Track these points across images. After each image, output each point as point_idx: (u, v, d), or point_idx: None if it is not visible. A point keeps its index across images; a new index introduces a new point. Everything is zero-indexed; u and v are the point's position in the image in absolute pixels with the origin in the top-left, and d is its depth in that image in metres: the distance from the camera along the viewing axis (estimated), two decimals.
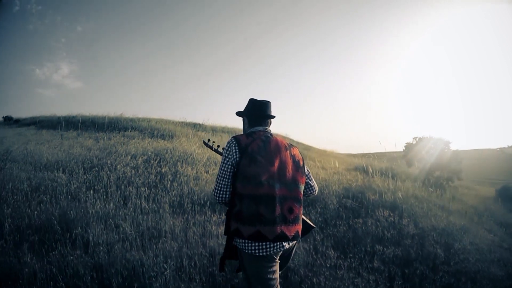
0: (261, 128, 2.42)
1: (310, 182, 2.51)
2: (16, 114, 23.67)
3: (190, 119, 20.52)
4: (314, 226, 2.60)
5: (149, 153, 8.27)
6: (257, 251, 2.09)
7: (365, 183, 8.54)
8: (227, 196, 2.21)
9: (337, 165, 12.02)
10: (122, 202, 5.36)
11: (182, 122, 19.57)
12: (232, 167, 2.19)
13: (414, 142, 15.47)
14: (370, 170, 9.62)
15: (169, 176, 6.63)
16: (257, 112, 2.46)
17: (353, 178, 9.46)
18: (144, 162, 7.52)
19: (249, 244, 2.10)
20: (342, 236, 5.37)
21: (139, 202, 5.27)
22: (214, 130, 19.03)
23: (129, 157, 7.87)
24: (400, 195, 7.34)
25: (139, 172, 6.77)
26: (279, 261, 2.25)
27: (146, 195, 5.65)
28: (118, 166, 6.94)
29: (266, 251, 2.10)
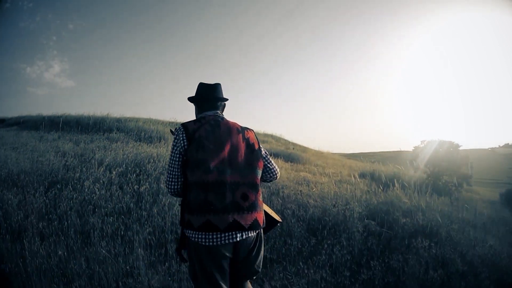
0: (210, 112, 2.22)
1: (269, 165, 2.27)
2: (7, 113, 22.15)
3: (180, 118, 19.10)
4: (279, 220, 2.36)
5: (128, 162, 6.64)
6: (205, 240, 1.90)
7: (387, 198, 7.01)
8: (178, 187, 2.08)
9: (349, 175, 10.37)
10: (79, 243, 3.74)
11: (172, 123, 18.13)
12: (181, 156, 2.04)
13: (422, 145, 14.04)
14: (396, 184, 7.93)
15: (148, 197, 5.01)
16: (204, 96, 2.28)
17: (369, 189, 7.90)
18: (119, 175, 5.90)
19: (198, 235, 1.90)
20: (381, 282, 3.93)
21: (102, 245, 3.66)
22: None
23: (103, 168, 6.24)
24: (439, 218, 5.80)
25: (111, 191, 5.13)
26: (229, 256, 2.01)
27: (114, 229, 4.03)
28: (86, 183, 5.32)
29: (215, 241, 1.91)
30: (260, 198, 2.11)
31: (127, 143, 10.50)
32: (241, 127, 2.18)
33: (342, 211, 5.57)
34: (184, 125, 2.09)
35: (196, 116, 2.34)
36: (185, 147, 2.01)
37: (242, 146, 2.10)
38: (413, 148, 14.86)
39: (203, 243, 1.90)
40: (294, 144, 21.72)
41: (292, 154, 14.17)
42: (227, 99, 2.33)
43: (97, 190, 5.06)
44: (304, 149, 20.29)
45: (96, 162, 6.58)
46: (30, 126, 15.84)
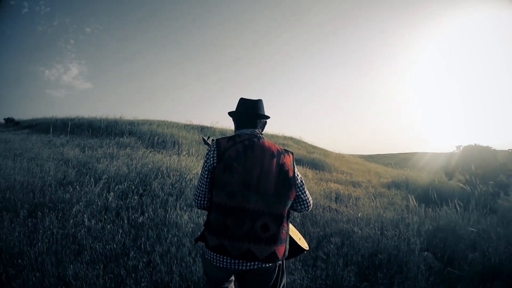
0: (247, 130, 2.00)
1: (301, 196, 1.97)
2: (26, 115, 21.81)
3: (197, 121, 18.07)
4: (306, 248, 2.12)
5: (133, 176, 5.49)
6: (216, 261, 1.79)
7: (440, 219, 5.70)
8: (205, 202, 1.95)
9: (381, 184, 8.95)
10: None
11: (188, 125, 17.12)
12: (209, 173, 1.88)
13: (457, 151, 12.61)
14: (452, 203, 6.50)
15: (149, 232, 3.80)
16: (243, 112, 2.06)
17: (412, 205, 6.56)
18: (118, 196, 4.74)
19: (211, 254, 1.81)
20: None
21: None
22: (223, 134, 16.42)
23: (101, 184, 5.10)
24: None
25: (105, 221, 3.97)
26: (234, 278, 1.99)
27: (99, 286, 2.83)
28: (76, 208, 4.18)
29: (225, 264, 1.78)
30: (284, 230, 1.87)
31: (137, 149, 9.47)
32: (278, 150, 1.93)
33: (395, 243, 4.33)
34: (218, 141, 1.92)
35: (234, 133, 2.11)
36: (214, 164, 1.85)
37: (274, 173, 1.85)
38: (447, 154, 13.42)
39: (214, 263, 1.81)
40: (314, 147, 20.48)
41: (315, 160, 12.91)
42: (268, 117, 2.10)
43: (86, 219, 3.90)
44: (325, 153, 18.97)
45: (93, 178, 5.47)
46: (42, 129, 15.18)
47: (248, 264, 1.78)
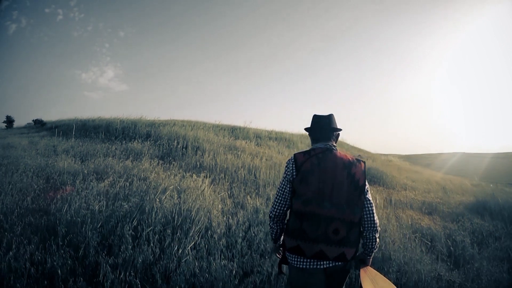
0: (321, 144, 1.99)
1: (366, 203, 1.88)
2: (64, 116, 20.58)
3: (227, 121, 15.59)
4: None
5: (87, 233, 2.90)
6: (295, 262, 1.85)
7: None
8: (280, 211, 1.96)
9: (460, 204, 5.67)
10: None
11: (217, 126, 14.60)
12: (290, 183, 1.91)
13: None
14: None
15: None
16: (316, 128, 2.08)
17: None
18: None
19: (290, 256, 1.88)
20: None
21: None
22: (258, 136, 13.72)
23: (13, 253, 2.55)
24: None
25: None
26: (323, 279, 1.86)
27: None
28: None
29: (303, 265, 1.83)
30: (354, 235, 1.83)
31: (142, 159, 7.09)
32: (349, 161, 1.89)
33: None
34: (296, 155, 1.93)
35: (311, 146, 2.11)
36: (294, 177, 1.87)
37: (346, 183, 1.83)
38: None
39: (293, 264, 1.85)
40: (359, 150, 17.50)
41: (371, 170, 9.98)
42: (339, 129, 2.08)
43: None
44: (372, 156, 15.83)
45: (29, 227, 2.93)
46: (59, 132, 13.23)
47: (320, 262, 1.80)
